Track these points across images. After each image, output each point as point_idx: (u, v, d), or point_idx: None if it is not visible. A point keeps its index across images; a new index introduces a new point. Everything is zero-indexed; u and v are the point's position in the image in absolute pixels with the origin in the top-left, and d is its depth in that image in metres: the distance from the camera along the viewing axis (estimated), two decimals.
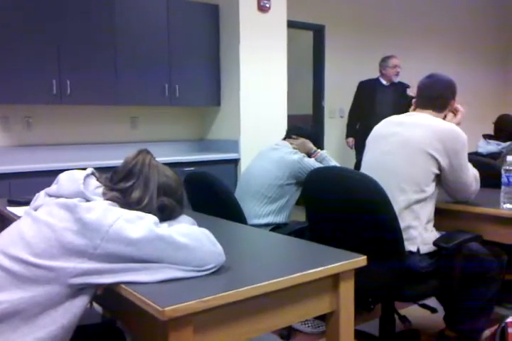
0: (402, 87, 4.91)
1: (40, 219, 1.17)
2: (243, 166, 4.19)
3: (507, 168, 1.98)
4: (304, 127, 2.88)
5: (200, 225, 1.33)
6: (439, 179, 1.96)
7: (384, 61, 4.95)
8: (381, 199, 1.76)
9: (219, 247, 1.22)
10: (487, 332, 2.18)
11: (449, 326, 2.15)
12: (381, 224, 1.78)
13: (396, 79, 4.92)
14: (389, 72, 4.90)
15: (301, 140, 2.77)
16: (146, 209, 1.26)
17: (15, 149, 3.68)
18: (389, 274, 1.84)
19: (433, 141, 1.89)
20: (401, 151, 1.94)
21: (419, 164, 1.89)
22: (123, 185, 1.29)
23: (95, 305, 1.41)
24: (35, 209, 1.25)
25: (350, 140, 5.07)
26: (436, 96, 2.05)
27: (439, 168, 1.91)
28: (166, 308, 1.00)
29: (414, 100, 2.16)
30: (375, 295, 2.11)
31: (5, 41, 3.30)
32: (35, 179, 3.19)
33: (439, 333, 2.20)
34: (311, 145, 2.80)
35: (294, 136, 2.78)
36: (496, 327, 2.11)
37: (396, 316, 2.25)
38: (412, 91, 4.77)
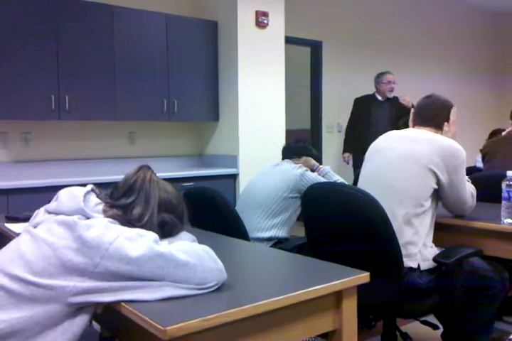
0: (398, 101, 4.93)
1: (40, 237, 1.16)
2: (242, 181, 4.19)
3: (507, 183, 1.99)
4: (299, 146, 2.86)
5: (200, 242, 1.32)
6: (437, 194, 1.96)
7: (378, 77, 4.99)
8: (379, 216, 1.75)
9: (220, 264, 1.21)
10: None
11: None
12: (379, 241, 1.77)
13: (390, 95, 4.95)
14: (383, 88, 4.94)
15: (304, 158, 2.80)
16: (146, 226, 1.25)
17: (13, 165, 3.67)
18: (389, 291, 1.82)
19: (434, 157, 1.89)
20: (400, 165, 1.94)
21: (419, 179, 1.90)
22: (124, 201, 1.28)
23: (94, 324, 1.38)
24: (35, 227, 1.23)
25: (347, 155, 5.10)
26: (433, 115, 2.09)
27: (438, 183, 1.91)
28: (168, 327, 0.98)
29: (411, 119, 2.18)
30: (375, 312, 2.09)
31: (3, 57, 3.32)
32: (34, 195, 3.17)
33: None
34: (313, 161, 2.84)
35: (294, 156, 2.79)
36: None
37: (398, 333, 2.22)
38: (403, 100, 4.78)
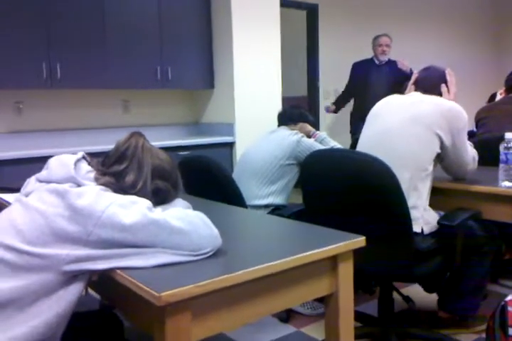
0: (396, 65, 4.83)
1: (31, 206, 1.14)
2: (238, 149, 4.16)
3: (505, 145, 1.96)
4: (295, 112, 2.82)
5: (195, 209, 1.31)
6: (438, 158, 1.95)
7: (374, 39, 4.89)
8: (393, 183, 1.72)
9: (215, 230, 1.20)
10: (480, 311, 2.19)
11: (441, 307, 2.15)
12: (390, 207, 1.74)
13: (383, 58, 4.84)
14: (376, 51, 4.84)
15: (300, 124, 2.77)
16: (140, 194, 1.23)
17: (6, 136, 3.62)
18: (399, 257, 1.81)
19: (439, 119, 1.88)
20: (405, 129, 1.91)
21: (424, 142, 1.88)
22: (116, 168, 1.26)
23: (94, 292, 1.39)
24: (26, 196, 1.22)
25: (331, 106, 5.10)
26: (432, 86, 2.07)
27: (441, 146, 1.91)
28: (163, 293, 0.98)
29: (410, 85, 2.15)
30: (382, 277, 2.08)
31: None
32: (27, 165, 3.14)
33: (431, 316, 2.21)
34: (309, 127, 2.80)
35: (290, 123, 2.76)
36: (495, 306, 2.12)
37: (399, 296, 2.24)
38: (401, 64, 4.70)
